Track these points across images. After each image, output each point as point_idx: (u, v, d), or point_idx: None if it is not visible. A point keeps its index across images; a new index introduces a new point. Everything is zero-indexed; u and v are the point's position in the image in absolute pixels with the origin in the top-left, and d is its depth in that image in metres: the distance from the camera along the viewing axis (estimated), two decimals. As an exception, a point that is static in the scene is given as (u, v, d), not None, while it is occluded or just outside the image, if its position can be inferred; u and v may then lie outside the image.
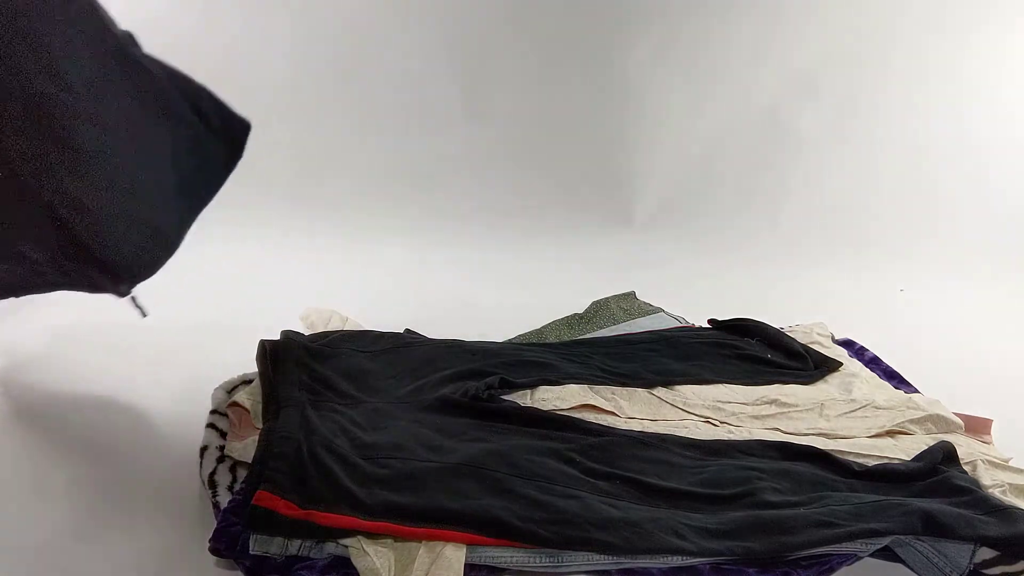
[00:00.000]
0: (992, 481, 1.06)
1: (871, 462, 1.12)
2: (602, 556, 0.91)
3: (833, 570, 0.93)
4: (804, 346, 1.47)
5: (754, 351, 1.47)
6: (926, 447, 1.15)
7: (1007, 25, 2.18)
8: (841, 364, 1.42)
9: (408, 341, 1.41)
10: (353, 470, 0.98)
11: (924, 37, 2.22)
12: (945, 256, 2.14)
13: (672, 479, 1.05)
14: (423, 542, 0.89)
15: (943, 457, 1.11)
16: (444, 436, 1.09)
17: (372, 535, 0.89)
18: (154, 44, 2.14)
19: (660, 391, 1.30)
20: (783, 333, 1.51)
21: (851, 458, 1.13)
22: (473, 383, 1.23)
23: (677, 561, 0.91)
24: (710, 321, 1.59)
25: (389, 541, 0.89)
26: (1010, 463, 1.15)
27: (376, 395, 1.22)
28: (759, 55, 2.27)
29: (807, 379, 1.38)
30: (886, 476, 1.08)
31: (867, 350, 1.53)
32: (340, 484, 0.94)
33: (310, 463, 0.97)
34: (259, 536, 0.87)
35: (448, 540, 0.89)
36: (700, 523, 0.96)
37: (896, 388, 1.37)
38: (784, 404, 1.28)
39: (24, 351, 1.43)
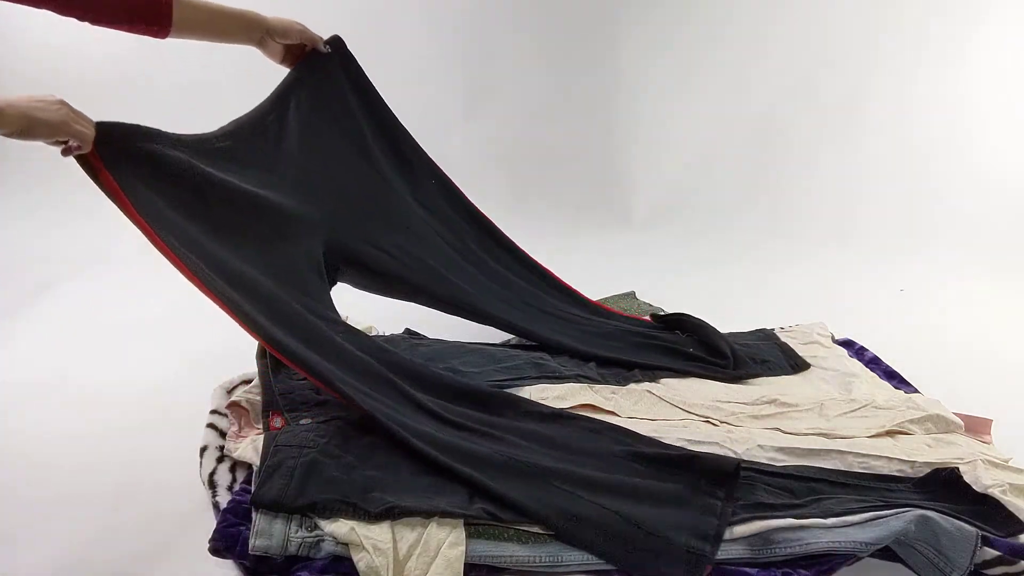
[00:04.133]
0: (992, 481, 1.06)
1: (871, 462, 1.12)
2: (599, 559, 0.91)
3: (833, 570, 0.94)
4: (733, 349, 1.45)
5: (678, 344, 1.48)
6: (926, 447, 1.15)
7: (1004, 25, 2.18)
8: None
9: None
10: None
11: (922, 37, 2.22)
12: (945, 256, 2.14)
13: None
14: (423, 535, 0.89)
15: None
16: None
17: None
18: (155, 41, 2.15)
19: (660, 390, 1.31)
20: (719, 334, 1.49)
21: (851, 458, 1.13)
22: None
23: None
24: (652, 316, 1.60)
25: (389, 537, 0.89)
26: (1010, 463, 1.15)
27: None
28: (758, 55, 2.27)
29: (725, 376, 1.38)
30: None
31: (867, 350, 1.53)
32: None
33: None
34: (258, 537, 0.87)
35: None
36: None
37: (896, 388, 1.37)
38: (784, 404, 1.28)
39: (24, 351, 1.43)
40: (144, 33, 1.05)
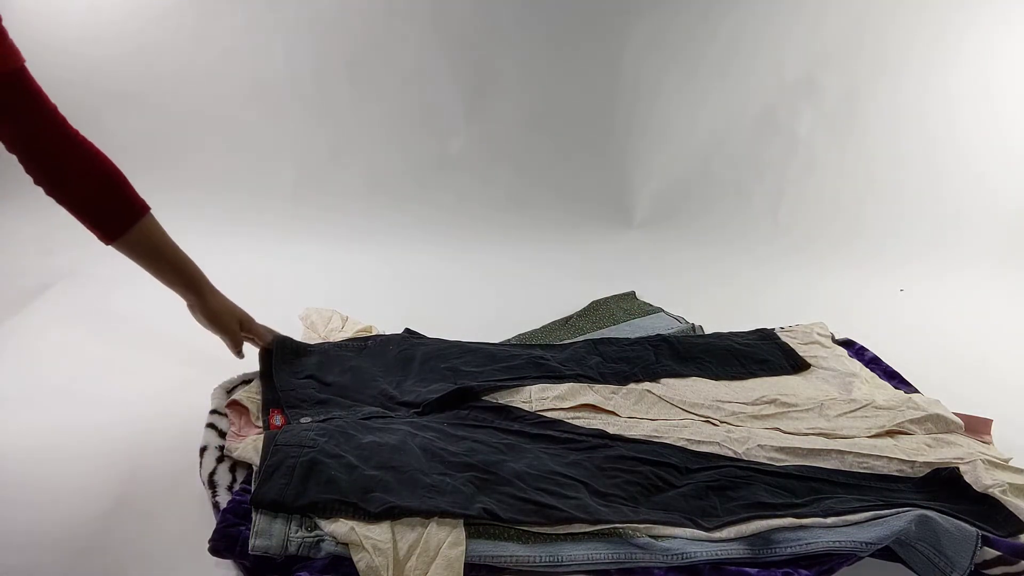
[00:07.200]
0: (992, 481, 1.06)
1: (871, 462, 1.12)
2: (600, 555, 0.91)
3: (833, 570, 0.94)
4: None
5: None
6: (926, 447, 1.15)
7: (1005, 24, 2.18)
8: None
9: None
10: None
11: (923, 37, 2.22)
12: (945, 256, 2.14)
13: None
14: (423, 535, 0.89)
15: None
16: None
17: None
18: (157, 42, 2.15)
19: (660, 390, 1.31)
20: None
21: (851, 458, 1.13)
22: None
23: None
24: None
25: (389, 537, 0.89)
26: (1010, 463, 1.15)
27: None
28: (758, 54, 2.27)
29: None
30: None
31: (867, 350, 1.53)
32: None
33: None
34: (258, 537, 0.87)
35: None
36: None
37: (896, 388, 1.37)
38: (784, 404, 1.28)
39: (23, 351, 1.43)
40: (92, 231, 1.03)
